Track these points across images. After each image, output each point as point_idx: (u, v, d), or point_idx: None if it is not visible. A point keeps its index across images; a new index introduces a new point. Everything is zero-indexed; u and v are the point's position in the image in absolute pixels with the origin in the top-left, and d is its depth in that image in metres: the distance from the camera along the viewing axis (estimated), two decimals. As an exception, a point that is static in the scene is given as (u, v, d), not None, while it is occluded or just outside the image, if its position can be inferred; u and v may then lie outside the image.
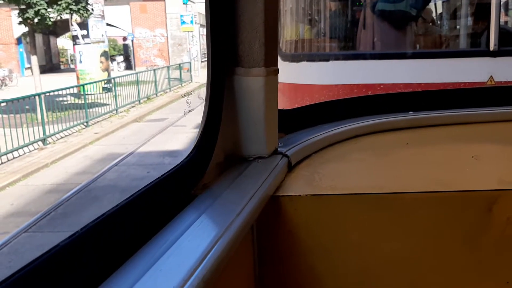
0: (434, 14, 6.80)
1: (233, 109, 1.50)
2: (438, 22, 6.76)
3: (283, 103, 1.74)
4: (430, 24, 6.24)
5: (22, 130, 12.99)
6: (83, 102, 17.48)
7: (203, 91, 1.46)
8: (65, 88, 17.57)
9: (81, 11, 20.45)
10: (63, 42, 47.25)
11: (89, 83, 20.64)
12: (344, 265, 1.48)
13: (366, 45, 5.65)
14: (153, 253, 0.94)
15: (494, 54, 4.96)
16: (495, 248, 1.48)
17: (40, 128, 13.99)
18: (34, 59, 19.47)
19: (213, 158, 1.38)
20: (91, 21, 23.37)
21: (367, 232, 1.47)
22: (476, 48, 5.47)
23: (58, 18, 20.58)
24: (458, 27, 5.99)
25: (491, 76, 4.93)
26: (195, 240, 1.01)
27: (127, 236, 1.00)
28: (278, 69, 1.56)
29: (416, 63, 5.36)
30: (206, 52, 1.45)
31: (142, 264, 0.91)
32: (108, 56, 25.81)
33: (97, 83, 21.28)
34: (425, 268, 1.49)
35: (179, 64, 30.84)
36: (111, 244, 0.95)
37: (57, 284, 0.81)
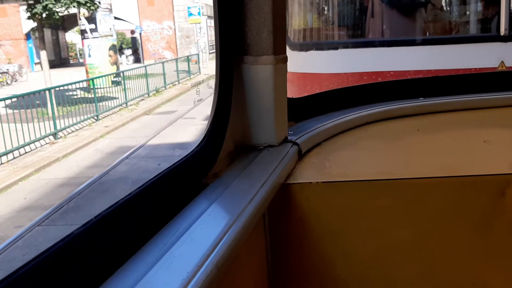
0: (443, 0, 6.72)
1: (242, 98, 1.50)
2: (448, 8, 6.68)
3: (292, 93, 1.74)
4: (439, 10, 6.16)
5: (33, 124, 13.10)
6: (92, 96, 17.56)
7: (211, 83, 1.46)
8: (75, 83, 17.65)
9: (88, 5, 20.48)
10: (71, 36, 47.41)
11: (99, 77, 20.71)
12: (355, 252, 1.48)
13: (375, 33, 5.61)
14: (166, 241, 0.95)
15: (505, 39, 4.90)
16: (508, 233, 1.47)
17: (51, 122, 14.10)
18: (43, 54, 19.56)
19: (223, 148, 1.39)
20: (99, 15, 23.40)
21: (378, 219, 1.47)
22: (487, 33, 5.41)
23: (66, 12, 20.63)
24: (468, 12, 5.92)
25: (502, 61, 4.88)
26: (207, 228, 1.02)
27: (140, 224, 1.01)
28: (287, 57, 1.55)
29: (426, 49, 5.32)
30: (214, 43, 1.44)
31: (156, 251, 0.92)
32: (117, 50, 25.86)
33: (106, 77, 21.35)
34: (437, 254, 1.49)
35: (187, 56, 30.82)
36: (125, 232, 0.96)
37: (74, 270, 0.82)
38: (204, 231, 1.01)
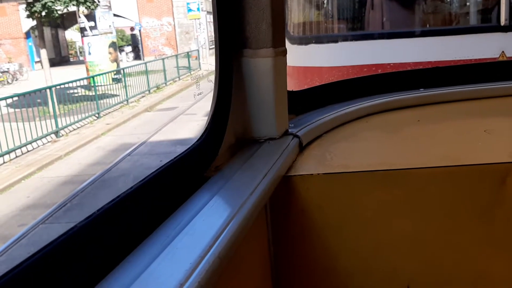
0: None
1: (242, 92, 1.50)
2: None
3: (292, 87, 1.74)
4: (440, 1, 6.15)
5: (35, 123, 13.13)
6: (93, 93, 17.57)
7: (211, 78, 1.47)
8: (76, 80, 17.66)
9: (87, 3, 20.47)
10: (71, 34, 47.33)
11: (99, 75, 20.72)
12: (357, 243, 1.49)
13: (375, 25, 5.60)
14: (168, 233, 0.96)
15: (505, 29, 4.89)
16: (509, 221, 1.47)
17: (53, 121, 14.12)
18: (43, 52, 19.56)
19: (224, 141, 1.39)
20: (98, 12, 23.36)
21: (380, 209, 1.47)
22: (487, 23, 5.39)
23: (65, 10, 20.62)
24: (468, 3, 5.90)
25: (503, 51, 4.87)
26: (209, 220, 1.03)
27: (143, 217, 1.02)
28: (286, 50, 1.55)
29: (426, 41, 5.31)
30: (213, 39, 1.45)
31: (159, 243, 0.92)
32: (117, 47, 25.83)
33: (107, 74, 21.35)
34: (438, 244, 1.49)
35: (187, 52, 30.80)
36: (128, 225, 0.97)
37: (78, 263, 0.83)
38: (206, 223, 1.01)
